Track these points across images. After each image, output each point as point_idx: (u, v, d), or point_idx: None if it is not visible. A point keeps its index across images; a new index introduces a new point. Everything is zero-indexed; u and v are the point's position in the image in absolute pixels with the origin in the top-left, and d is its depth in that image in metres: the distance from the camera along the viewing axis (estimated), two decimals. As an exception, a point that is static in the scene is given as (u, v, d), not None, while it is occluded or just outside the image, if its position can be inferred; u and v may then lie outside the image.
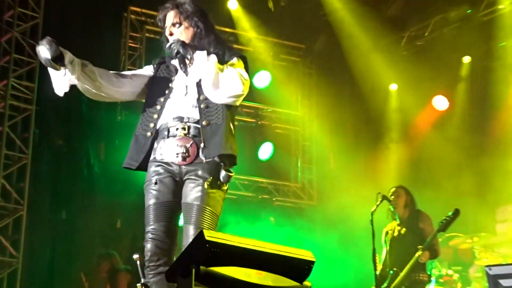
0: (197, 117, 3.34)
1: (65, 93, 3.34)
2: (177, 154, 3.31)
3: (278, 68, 10.43)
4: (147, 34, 9.48)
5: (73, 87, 3.35)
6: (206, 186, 3.25)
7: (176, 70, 3.49)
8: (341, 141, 9.91)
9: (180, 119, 3.37)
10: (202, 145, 3.29)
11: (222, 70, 3.29)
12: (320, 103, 10.49)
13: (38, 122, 8.08)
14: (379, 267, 6.24)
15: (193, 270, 2.51)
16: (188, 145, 3.31)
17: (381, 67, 9.54)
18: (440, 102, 9.57)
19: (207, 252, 2.53)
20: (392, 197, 6.44)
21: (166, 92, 3.46)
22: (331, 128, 10.00)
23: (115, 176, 7.90)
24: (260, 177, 10.19)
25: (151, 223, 3.30)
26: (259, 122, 10.50)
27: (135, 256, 3.31)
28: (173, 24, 3.49)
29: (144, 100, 3.55)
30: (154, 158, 3.39)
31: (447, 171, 8.62)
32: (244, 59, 3.52)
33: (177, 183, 3.35)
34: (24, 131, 8.00)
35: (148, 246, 3.27)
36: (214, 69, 3.25)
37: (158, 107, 3.43)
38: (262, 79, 10.07)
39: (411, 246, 6.16)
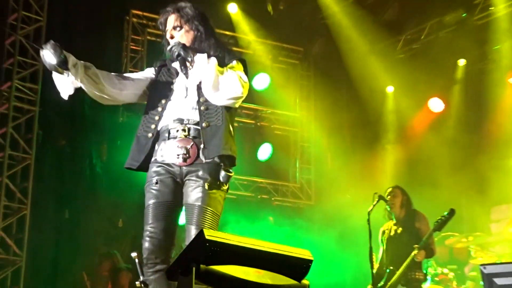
0: (197, 119, 3.36)
1: (68, 95, 3.37)
2: (178, 155, 3.33)
3: (277, 71, 10.45)
4: (148, 37, 9.51)
5: (76, 90, 3.37)
6: (206, 187, 3.27)
7: (177, 73, 3.50)
8: (339, 142, 9.95)
9: (181, 121, 3.38)
10: (202, 146, 3.31)
11: (222, 73, 3.30)
12: (318, 105, 10.51)
13: (42, 123, 8.13)
14: (376, 265, 6.25)
15: (194, 268, 2.52)
16: (188, 146, 3.33)
17: (378, 69, 9.57)
18: (436, 104, 9.61)
19: (207, 251, 2.54)
20: (389, 197, 6.42)
21: (167, 94, 3.47)
22: (329, 129, 10.04)
23: (117, 176, 7.91)
24: (259, 177, 10.21)
25: (150, 222, 3.31)
26: (258, 124, 10.52)
27: (133, 254, 3.37)
28: (174, 28, 3.51)
29: (145, 102, 3.57)
30: (155, 159, 3.40)
31: (442, 172, 8.63)
32: (243, 62, 3.54)
33: (177, 184, 3.36)
34: (27, 132, 8.05)
35: (146, 244, 3.28)
36: (214, 72, 3.27)
37: (159, 108, 3.45)
38: (261, 81, 10.09)
39: (407, 245, 6.15)
